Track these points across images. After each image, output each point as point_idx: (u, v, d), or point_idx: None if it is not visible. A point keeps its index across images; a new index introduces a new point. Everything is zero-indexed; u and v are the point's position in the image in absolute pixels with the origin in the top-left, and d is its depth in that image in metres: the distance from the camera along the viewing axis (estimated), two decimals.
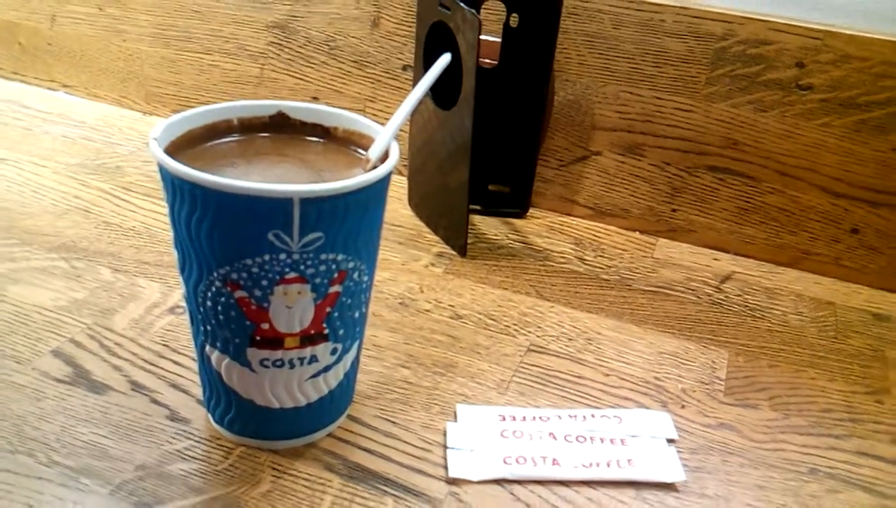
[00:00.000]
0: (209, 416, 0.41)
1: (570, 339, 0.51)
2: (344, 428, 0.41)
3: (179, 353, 0.46)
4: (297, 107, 0.40)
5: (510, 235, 0.64)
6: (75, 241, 0.56)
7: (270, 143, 0.39)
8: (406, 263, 0.58)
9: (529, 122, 0.64)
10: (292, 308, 0.35)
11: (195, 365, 0.41)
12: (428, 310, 0.53)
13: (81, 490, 0.36)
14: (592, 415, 0.44)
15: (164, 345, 0.46)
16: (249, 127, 0.39)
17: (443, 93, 0.57)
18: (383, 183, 0.35)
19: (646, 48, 0.60)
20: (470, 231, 0.63)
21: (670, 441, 0.43)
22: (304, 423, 0.40)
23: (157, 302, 0.50)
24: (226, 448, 0.39)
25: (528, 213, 0.67)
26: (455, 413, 0.43)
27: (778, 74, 0.58)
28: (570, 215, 0.68)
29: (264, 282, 0.34)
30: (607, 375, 0.48)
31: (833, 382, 0.49)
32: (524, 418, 0.43)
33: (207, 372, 0.38)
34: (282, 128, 0.40)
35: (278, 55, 0.72)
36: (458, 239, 0.60)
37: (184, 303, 0.39)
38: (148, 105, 0.80)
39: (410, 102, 0.38)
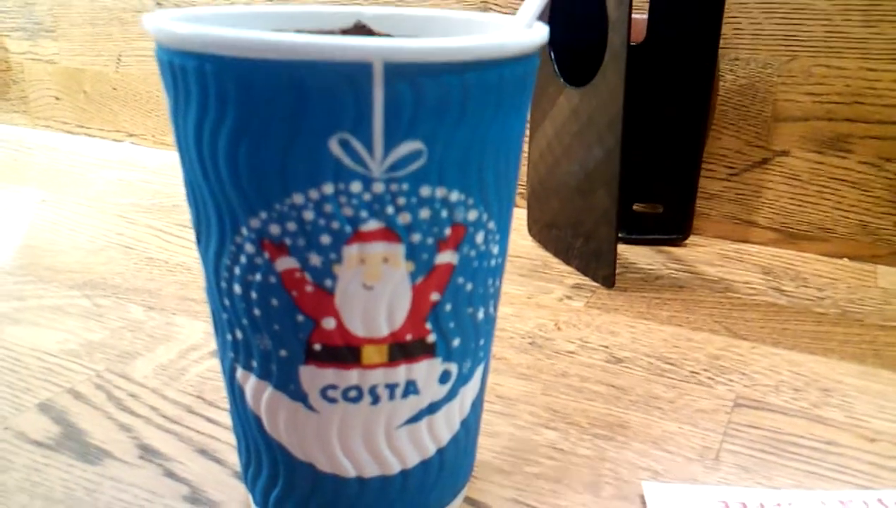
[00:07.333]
0: (248, 495, 0.26)
1: (796, 390, 0.34)
2: None
3: (217, 407, 0.31)
4: (383, 15, 0.26)
5: (669, 264, 0.47)
6: (106, 278, 0.44)
7: None
8: (532, 296, 0.42)
9: (689, 116, 0.48)
10: (374, 289, 0.20)
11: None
12: (571, 352, 0.36)
13: None
14: (879, 500, 0.26)
15: (196, 397, 0.32)
16: None
17: (575, 62, 0.43)
18: (531, 62, 0.20)
19: (849, 1, 0.45)
20: None
21: None
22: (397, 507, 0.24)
23: (196, 344, 0.36)
24: None
25: (687, 240, 0.51)
26: (642, 497, 0.26)
27: None
28: (747, 242, 0.51)
29: (325, 239, 0.19)
30: (873, 441, 0.30)
31: None
32: (763, 506, 0.26)
33: (241, 418, 0.23)
34: None
35: None
36: (601, 267, 0.44)
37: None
38: None
39: None
